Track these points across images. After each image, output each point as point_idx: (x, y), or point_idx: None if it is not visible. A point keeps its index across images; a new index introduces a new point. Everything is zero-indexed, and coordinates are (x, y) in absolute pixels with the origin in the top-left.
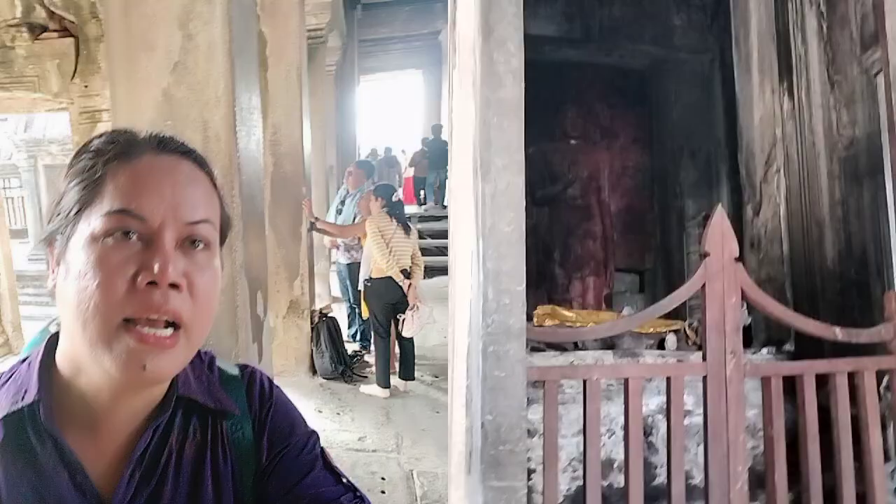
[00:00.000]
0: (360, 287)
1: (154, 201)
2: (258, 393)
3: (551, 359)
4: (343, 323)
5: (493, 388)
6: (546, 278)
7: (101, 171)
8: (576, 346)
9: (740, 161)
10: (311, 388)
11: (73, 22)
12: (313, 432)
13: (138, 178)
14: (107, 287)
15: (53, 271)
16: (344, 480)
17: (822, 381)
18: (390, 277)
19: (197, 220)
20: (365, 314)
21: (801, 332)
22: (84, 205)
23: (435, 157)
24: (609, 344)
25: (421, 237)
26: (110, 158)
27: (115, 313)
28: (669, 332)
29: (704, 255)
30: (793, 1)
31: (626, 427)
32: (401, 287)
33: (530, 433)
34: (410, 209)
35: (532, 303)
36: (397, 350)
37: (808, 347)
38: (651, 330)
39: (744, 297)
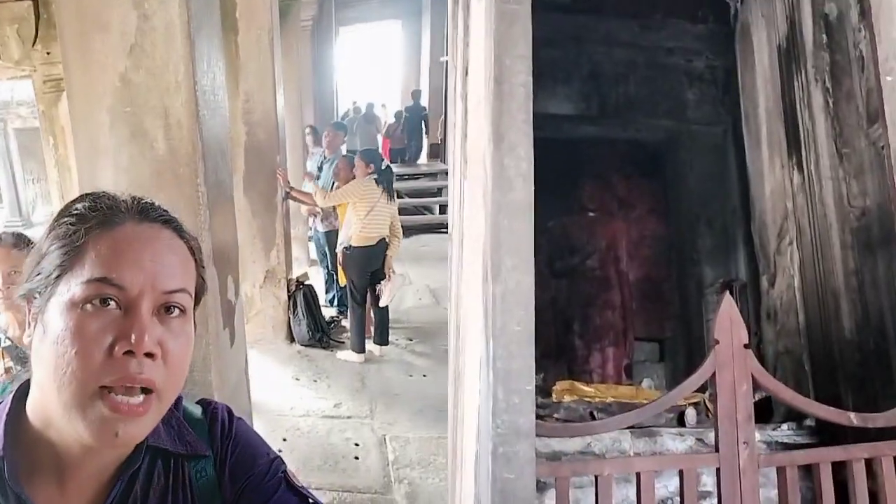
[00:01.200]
0: (339, 253)
1: (133, 271)
2: (219, 431)
3: (567, 441)
4: (320, 289)
5: (503, 491)
6: (565, 350)
7: (83, 239)
8: (592, 417)
9: (753, 231)
10: (288, 355)
11: None
12: (276, 457)
13: (119, 248)
14: (84, 355)
15: (30, 325)
16: (310, 500)
17: (840, 466)
18: (370, 246)
19: (173, 289)
20: (342, 281)
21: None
22: (65, 270)
23: (412, 124)
24: None
25: (399, 196)
26: (92, 227)
27: (91, 381)
28: (689, 405)
29: (714, 343)
30: (799, 78)
31: None
32: (380, 255)
33: None
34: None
35: (552, 375)
36: (372, 315)
37: (830, 423)
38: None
39: (755, 384)
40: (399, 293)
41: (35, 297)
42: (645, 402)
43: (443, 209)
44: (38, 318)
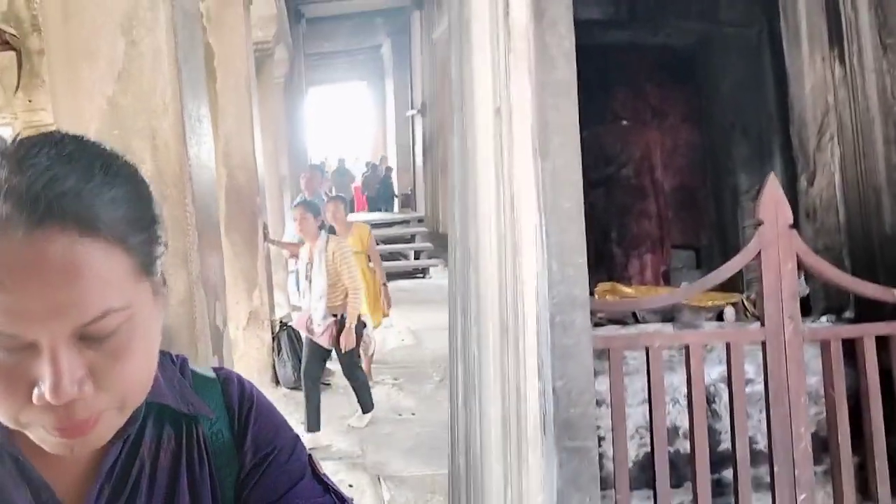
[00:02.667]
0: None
1: (22, 317)
2: (237, 392)
3: (613, 332)
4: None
5: (562, 356)
6: (605, 258)
7: None
8: (636, 320)
9: (792, 132)
10: (274, 398)
11: (14, 35)
12: (298, 437)
13: None
14: (2, 402)
15: None
16: (332, 490)
17: (883, 345)
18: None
19: (89, 320)
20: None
21: (861, 298)
22: None
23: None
24: (668, 318)
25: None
26: None
27: (21, 420)
28: (728, 304)
29: (759, 224)
30: None
31: (689, 391)
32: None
33: (598, 403)
34: (363, 216)
35: (592, 281)
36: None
37: (869, 314)
38: (710, 303)
39: (799, 263)
40: (382, 335)
41: None
42: (685, 301)
43: (417, 255)
44: None
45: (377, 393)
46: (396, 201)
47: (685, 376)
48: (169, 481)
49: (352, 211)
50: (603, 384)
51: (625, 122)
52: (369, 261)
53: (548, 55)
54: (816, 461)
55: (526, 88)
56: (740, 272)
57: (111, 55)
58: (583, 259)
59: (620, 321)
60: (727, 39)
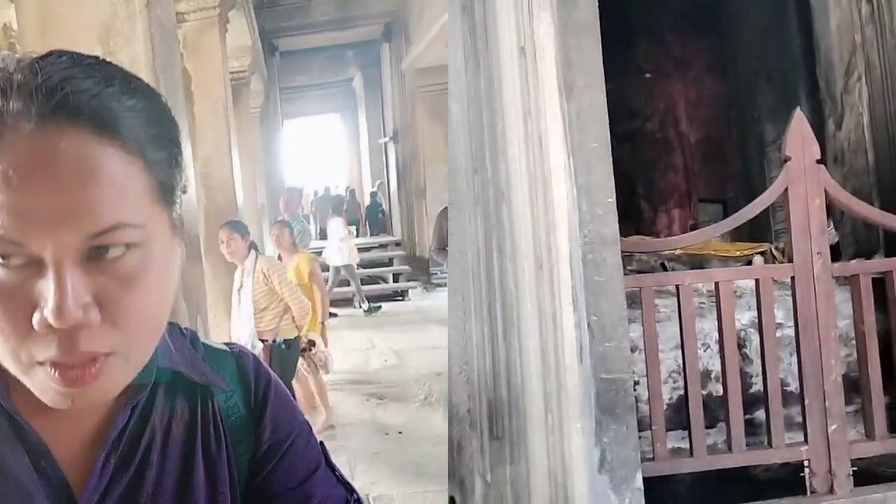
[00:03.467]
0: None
1: (27, 219)
2: (252, 367)
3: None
4: None
5: (595, 293)
6: (632, 213)
7: None
8: (664, 269)
9: (819, 74)
10: None
11: None
12: (307, 421)
13: (4, 183)
14: (3, 328)
15: None
16: (342, 480)
17: None
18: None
19: (101, 229)
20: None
21: (891, 241)
22: None
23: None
24: (697, 267)
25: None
26: None
27: (22, 356)
28: (756, 254)
29: (786, 160)
30: None
31: (719, 328)
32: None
33: (631, 349)
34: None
35: (620, 235)
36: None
37: None
38: (738, 253)
39: (828, 199)
40: (365, 356)
41: None
42: (714, 252)
43: (395, 277)
44: None
45: (361, 412)
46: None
47: (715, 323)
48: (183, 455)
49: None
50: (635, 331)
51: (648, 75)
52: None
53: None
54: (847, 402)
55: (550, 27)
56: (769, 223)
57: None
58: (612, 198)
59: (649, 269)
60: None
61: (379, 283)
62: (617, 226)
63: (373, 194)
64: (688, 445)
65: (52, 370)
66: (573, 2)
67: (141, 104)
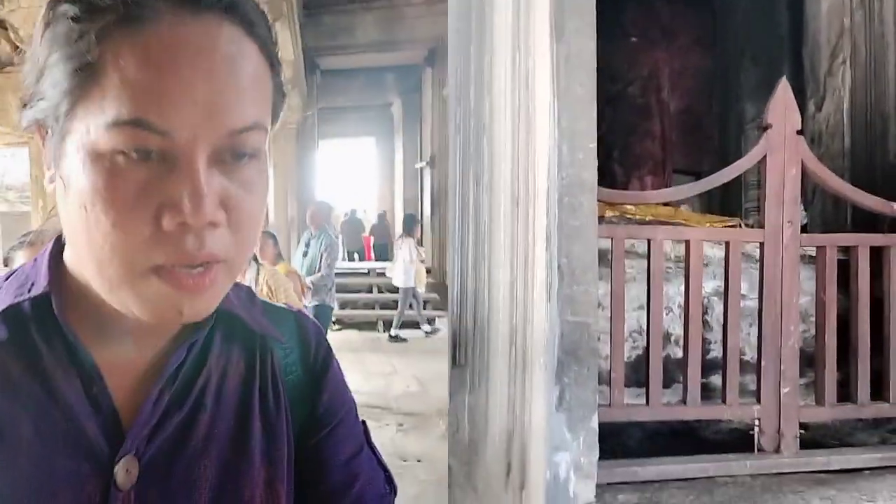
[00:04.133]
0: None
1: (181, 106)
2: (313, 330)
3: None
4: None
5: (569, 236)
6: (605, 176)
7: (96, 48)
8: None
9: (804, 54)
10: None
11: None
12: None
13: (156, 68)
14: (125, 229)
15: (49, 168)
16: (383, 464)
17: (877, 273)
18: None
19: (243, 126)
20: None
21: (857, 221)
22: (76, 99)
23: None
24: None
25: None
26: (109, 24)
27: (139, 260)
28: (726, 226)
29: (766, 127)
30: None
31: (686, 285)
32: None
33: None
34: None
35: None
36: None
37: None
38: (707, 225)
39: (804, 170)
40: (387, 381)
41: (47, 130)
42: (683, 222)
43: (424, 304)
44: (58, 162)
45: (381, 437)
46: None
47: (679, 288)
48: (239, 403)
49: (361, 259)
50: (601, 288)
51: (633, 39)
52: None
53: None
54: (801, 374)
55: None
56: (739, 200)
57: None
58: (593, 144)
59: None
60: None
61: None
62: (596, 172)
63: (379, 216)
64: (643, 401)
65: (170, 275)
66: None
67: (264, 18)
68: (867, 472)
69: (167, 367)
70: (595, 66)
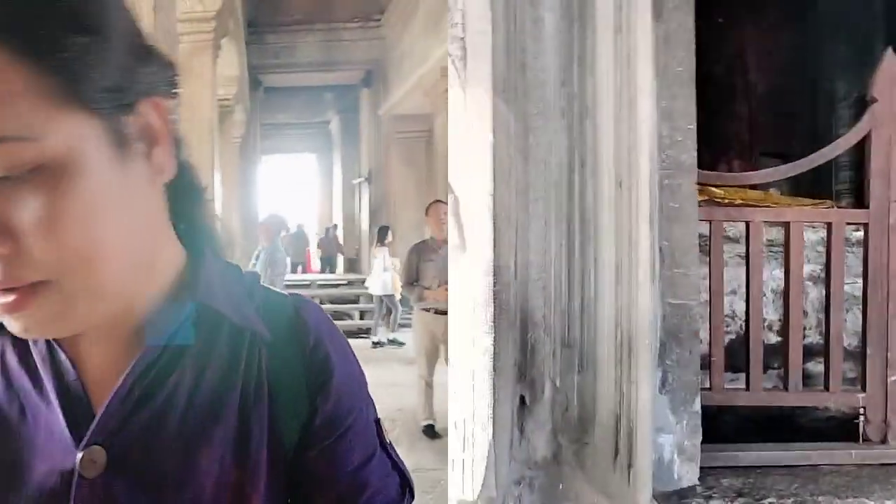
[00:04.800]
0: None
1: None
2: (314, 321)
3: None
4: None
5: (670, 218)
6: None
7: None
8: None
9: None
10: None
11: None
12: (370, 396)
13: None
14: None
15: None
16: (398, 466)
17: None
18: None
19: None
20: None
21: None
22: None
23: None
24: None
25: (321, 303)
26: None
27: None
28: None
29: (872, 101)
30: None
31: (786, 270)
32: None
33: None
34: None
35: None
36: None
37: None
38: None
39: None
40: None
41: None
42: (774, 205)
43: (363, 315)
44: None
45: (405, 456)
46: (342, 263)
47: (772, 272)
48: (216, 403)
49: (304, 271)
50: None
51: (720, 20)
52: None
53: None
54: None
55: None
56: (830, 183)
57: None
58: (692, 125)
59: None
60: None
61: (344, 320)
62: (695, 153)
63: (327, 229)
64: (737, 386)
65: None
66: None
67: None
68: None
69: (138, 363)
70: (694, 44)
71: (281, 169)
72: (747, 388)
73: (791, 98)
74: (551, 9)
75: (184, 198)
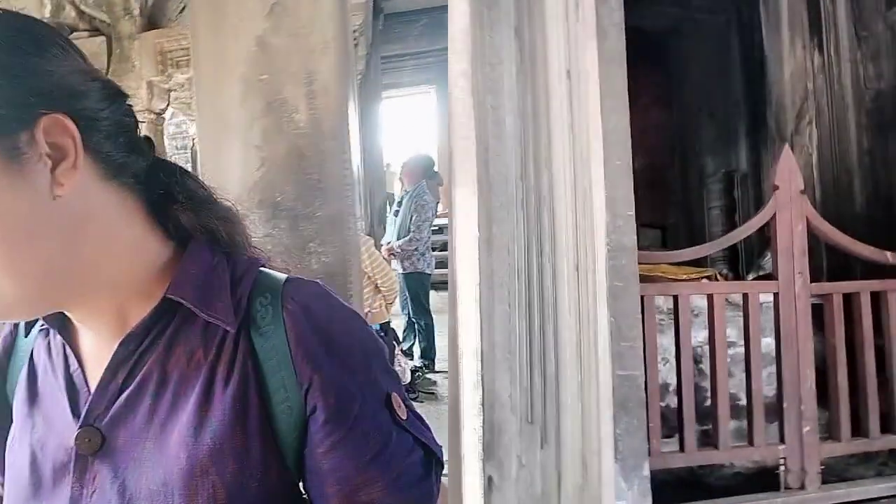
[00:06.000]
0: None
1: None
2: (302, 308)
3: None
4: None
5: (615, 295)
6: None
7: None
8: None
9: (769, 115)
10: None
11: (104, 21)
12: (381, 363)
13: None
14: None
15: None
16: (420, 439)
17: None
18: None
19: None
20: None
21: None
22: None
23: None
24: None
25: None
26: None
27: None
28: (702, 278)
29: (774, 189)
30: None
31: (710, 337)
32: None
33: None
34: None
35: None
36: None
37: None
38: (685, 277)
39: (808, 225)
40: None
41: None
42: (661, 274)
43: None
44: None
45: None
46: None
47: (674, 339)
48: (196, 391)
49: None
50: None
51: None
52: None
53: (601, 27)
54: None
55: (594, 52)
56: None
57: None
58: (631, 211)
59: None
60: (698, 25)
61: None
62: (635, 236)
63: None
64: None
65: None
66: (605, 34)
67: None
68: (884, 500)
69: (114, 354)
70: (629, 139)
71: (398, 105)
72: (681, 449)
73: (665, 174)
74: (511, 112)
75: (163, 198)
